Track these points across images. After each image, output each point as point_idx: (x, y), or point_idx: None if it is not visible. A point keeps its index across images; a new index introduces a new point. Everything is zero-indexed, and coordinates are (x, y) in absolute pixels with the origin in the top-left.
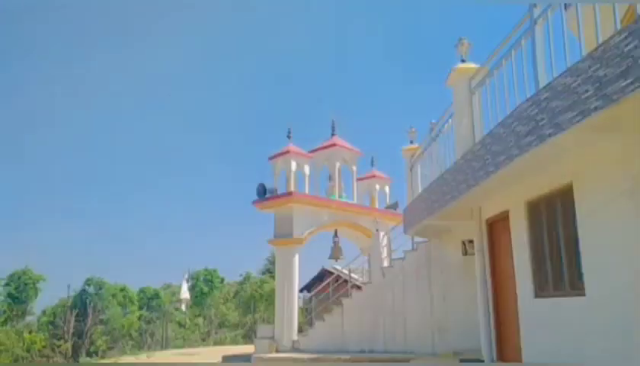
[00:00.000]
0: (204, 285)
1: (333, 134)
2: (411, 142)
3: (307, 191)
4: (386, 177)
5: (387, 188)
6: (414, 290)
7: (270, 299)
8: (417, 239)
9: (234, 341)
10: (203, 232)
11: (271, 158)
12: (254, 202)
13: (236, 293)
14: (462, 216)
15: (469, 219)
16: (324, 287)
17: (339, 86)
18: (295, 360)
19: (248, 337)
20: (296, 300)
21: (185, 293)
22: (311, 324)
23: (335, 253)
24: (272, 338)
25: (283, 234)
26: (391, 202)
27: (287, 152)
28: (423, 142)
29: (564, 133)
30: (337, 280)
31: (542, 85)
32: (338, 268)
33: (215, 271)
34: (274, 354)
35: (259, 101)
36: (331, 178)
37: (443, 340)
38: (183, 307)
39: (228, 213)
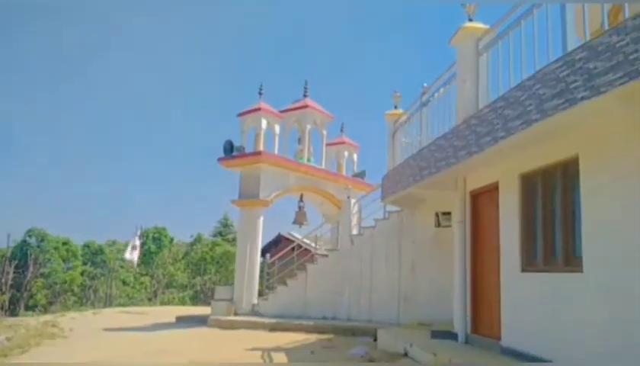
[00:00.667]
0: (152, 244)
1: (305, 96)
2: (395, 107)
3: (276, 152)
4: (355, 144)
5: (355, 156)
6: (383, 258)
7: (221, 262)
8: (389, 208)
9: (182, 302)
10: (157, 189)
11: (241, 114)
12: (219, 159)
13: (185, 254)
14: (446, 187)
15: (453, 190)
16: (279, 253)
17: (317, 48)
18: (254, 323)
19: (197, 299)
20: (258, 263)
21: (133, 251)
22: (271, 288)
23: (300, 218)
24: (230, 300)
25: (249, 195)
26: (359, 170)
27: (258, 109)
28: (410, 107)
29: (601, 96)
30: (293, 248)
31: (570, 45)
32: (295, 234)
33: (164, 229)
34: (233, 317)
35: (233, 56)
36: (300, 140)
37: (408, 310)
38: (135, 257)
39: (185, 171)
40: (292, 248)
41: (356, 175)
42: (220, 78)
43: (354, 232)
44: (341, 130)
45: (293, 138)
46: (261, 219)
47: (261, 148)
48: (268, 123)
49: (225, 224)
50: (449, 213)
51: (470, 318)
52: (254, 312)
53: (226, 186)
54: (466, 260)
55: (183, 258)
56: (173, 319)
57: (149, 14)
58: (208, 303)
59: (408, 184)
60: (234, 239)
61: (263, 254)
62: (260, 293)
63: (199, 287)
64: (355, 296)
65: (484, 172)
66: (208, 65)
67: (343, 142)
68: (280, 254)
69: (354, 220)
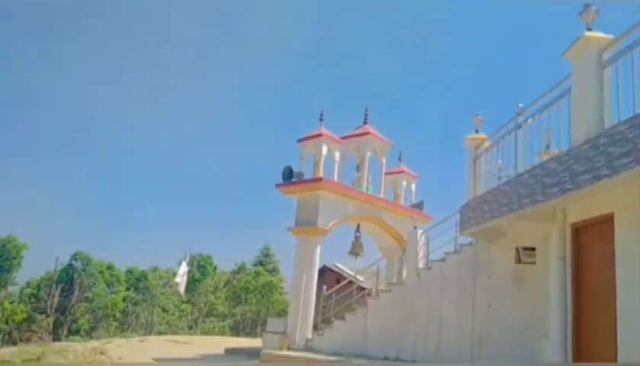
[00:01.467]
0: (197, 271)
1: (365, 122)
2: (477, 131)
3: (335, 179)
4: (414, 174)
5: (413, 186)
6: (454, 295)
7: (263, 292)
8: (461, 240)
9: (221, 332)
10: (202, 214)
11: (301, 140)
12: (278, 185)
13: (227, 282)
14: (542, 218)
15: (549, 222)
16: (334, 287)
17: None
18: (311, 360)
19: (237, 329)
20: (314, 294)
21: (183, 277)
22: (327, 323)
23: (356, 249)
24: (283, 333)
25: (306, 222)
26: (417, 201)
27: (320, 135)
28: (498, 131)
29: None
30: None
31: None
32: (341, 266)
33: (209, 257)
34: (286, 352)
35: (286, 79)
36: (358, 168)
37: (482, 353)
38: (181, 289)
39: (231, 197)
40: (350, 282)
41: (414, 206)
42: (273, 103)
43: (420, 265)
44: (399, 159)
45: (351, 165)
46: (319, 248)
47: (321, 174)
48: (329, 149)
49: (267, 254)
50: (532, 249)
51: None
52: (307, 347)
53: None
54: (567, 302)
55: (224, 286)
56: (221, 351)
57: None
58: (250, 334)
59: (500, 213)
60: (274, 269)
61: None
62: (315, 327)
63: (239, 317)
64: (421, 336)
65: (592, 202)
66: (262, 87)
67: (401, 172)
68: (337, 287)
69: (421, 253)
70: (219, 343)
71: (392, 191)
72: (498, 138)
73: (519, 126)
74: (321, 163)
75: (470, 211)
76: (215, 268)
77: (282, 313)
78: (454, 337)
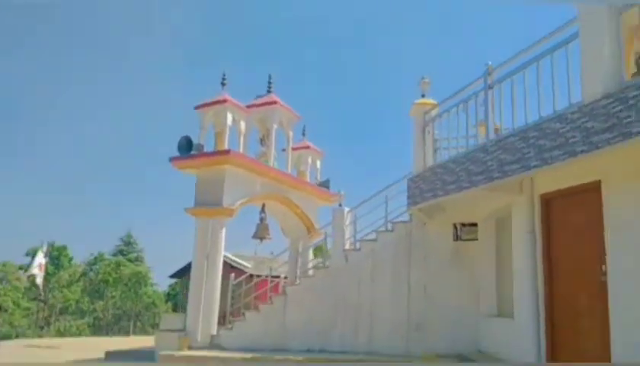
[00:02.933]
0: (49, 264)
1: (269, 91)
2: (423, 95)
3: (241, 152)
4: (319, 150)
5: (319, 163)
6: (387, 278)
7: (129, 284)
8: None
9: (79, 331)
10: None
11: (200, 107)
12: (173, 159)
13: (82, 274)
14: (507, 190)
15: (516, 193)
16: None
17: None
18: (224, 360)
19: (97, 327)
20: (218, 285)
21: (40, 269)
22: (234, 315)
23: (262, 232)
24: (182, 330)
25: (209, 202)
26: (322, 179)
27: (224, 100)
28: (455, 95)
29: None
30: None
31: None
32: (227, 254)
33: (64, 248)
34: (188, 352)
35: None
36: (262, 141)
37: (420, 340)
38: (38, 281)
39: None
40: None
41: (320, 184)
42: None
43: (347, 246)
44: (303, 134)
45: (252, 138)
46: (224, 231)
47: (225, 146)
48: (234, 118)
49: (128, 242)
50: (474, 225)
51: (545, 345)
52: (213, 344)
53: (131, 196)
54: (538, 280)
55: (78, 279)
56: (101, 355)
57: None
58: (118, 332)
59: (461, 187)
60: (137, 259)
61: (179, 277)
62: (220, 322)
63: (100, 314)
64: (351, 324)
65: (567, 171)
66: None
67: (307, 147)
68: (243, 277)
69: (347, 233)
70: (92, 346)
71: (295, 168)
72: (458, 102)
73: (489, 87)
74: (226, 134)
75: (423, 184)
76: (71, 259)
77: (151, 307)
78: (388, 324)
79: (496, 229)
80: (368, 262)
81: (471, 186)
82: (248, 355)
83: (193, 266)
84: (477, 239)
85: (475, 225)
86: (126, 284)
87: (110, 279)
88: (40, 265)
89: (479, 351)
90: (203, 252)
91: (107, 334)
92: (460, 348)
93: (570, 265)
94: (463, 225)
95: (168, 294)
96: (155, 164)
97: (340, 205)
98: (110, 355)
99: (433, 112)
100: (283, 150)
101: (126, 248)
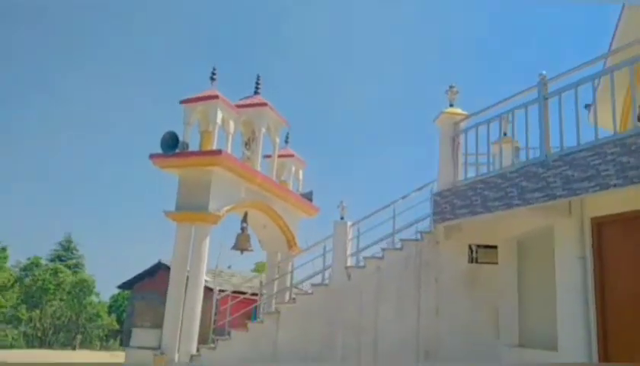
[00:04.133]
0: None
1: (256, 92)
2: (451, 104)
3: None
4: (302, 160)
5: (301, 173)
6: (394, 299)
7: (74, 292)
8: (402, 236)
9: (13, 342)
10: None
11: (187, 101)
12: (154, 155)
13: (17, 280)
14: (556, 212)
15: (563, 216)
16: (155, 286)
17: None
18: None
19: (34, 338)
20: (200, 297)
21: None
22: (219, 333)
23: (242, 243)
24: (157, 348)
25: (193, 206)
26: (305, 190)
27: (214, 96)
28: (494, 106)
29: None
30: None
31: None
32: None
33: (4, 249)
34: None
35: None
36: (247, 145)
37: None
38: None
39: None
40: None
41: (303, 195)
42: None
43: (349, 263)
44: (286, 141)
45: (236, 141)
46: (208, 239)
47: (214, 146)
48: (223, 117)
49: (67, 248)
50: (492, 247)
51: None
52: (192, 364)
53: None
54: (589, 310)
55: (12, 285)
56: None
57: None
58: (54, 345)
59: (509, 204)
60: (76, 266)
61: (129, 287)
62: (202, 340)
63: (38, 324)
64: (352, 348)
65: (625, 195)
66: None
67: (291, 155)
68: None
69: (349, 249)
70: (42, 360)
71: (277, 177)
72: (500, 113)
73: (545, 98)
74: (215, 133)
75: (456, 199)
76: (6, 259)
77: (94, 318)
78: (394, 348)
79: (518, 252)
80: (373, 281)
81: (523, 204)
82: None
83: (171, 276)
84: (496, 263)
85: (493, 247)
86: (69, 293)
87: (51, 286)
88: None
89: None
90: (183, 260)
91: (46, 346)
92: None
93: (627, 296)
94: (480, 246)
95: (110, 306)
96: (104, 164)
97: (342, 218)
98: None
99: (463, 124)
100: (267, 157)
101: (65, 254)
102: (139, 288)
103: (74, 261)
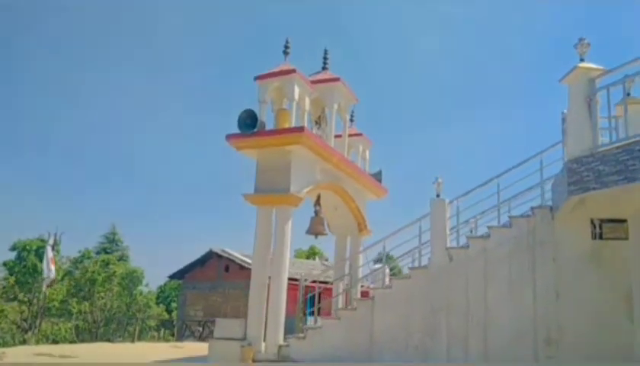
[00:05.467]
0: (36, 259)
1: (324, 68)
2: (582, 59)
3: None
4: (368, 139)
5: (367, 153)
6: (505, 281)
7: (123, 284)
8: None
9: (66, 335)
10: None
11: (262, 77)
12: (231, 136)
13: (67, 273)
14: None
15: None
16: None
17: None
18: None
19: (86, 330)
20: (285, 285)
21: (50, 265)
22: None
23: (316, 226)
24: (244, 339)
25: (274, 188)
26: (374, 170)
27: (292, 71)
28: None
29: None
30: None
31: None
32: (232, 252)
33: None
34: (253, 365)
35: None
36: (317, 123)
37: (552, 356)
38: (50, 277)
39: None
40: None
41: (373, 175)
42: None
43: (449, 244)
44: (351, 120)
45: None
46: (290, 222)
47: (292, 124)
48: (300, 93)
49: (112, 239)
50: (621, 221)
51: None
52: (281, 356)
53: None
54: None
55: (62, 278)
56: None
57: None
58: (105, 337)
59: None
60: (121, 258)
61: (180, 277)
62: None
63: (89, 317)
64: (459, 336)
65: None
66: None
67: (359, 134)
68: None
69: (448, 228)
70: (112, 354)
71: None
72: None
73: None
74: (292, 111)
75: (601, 165)
76: (58, 253)
77: (144, 309)
78: (508, 336)
79: None
80: (479, 262)
81: None
82: None
83: (254, 263)
84: (625, 238)
85: (622, 221)
86: (119, 284)
87: (99, 278)
88: (50, 260)
89: None
90: (266, 245)
91: (96, 338)
92: None
93: None
94: (604, 221)
95: (157, 297)
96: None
97: (438, 195)
98: None
99: (598, 81)
100: (336, 137)
101: (110, 246)
102: (190, 278)
103: (119, 252)
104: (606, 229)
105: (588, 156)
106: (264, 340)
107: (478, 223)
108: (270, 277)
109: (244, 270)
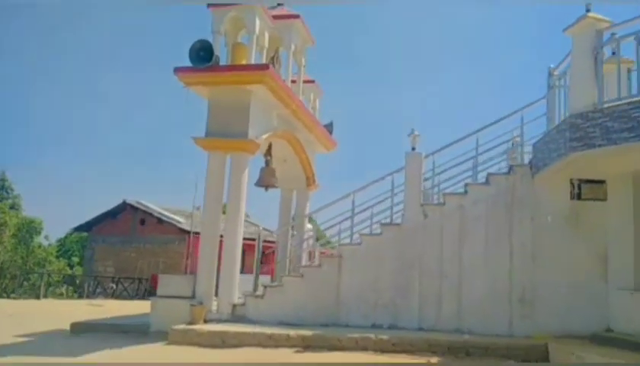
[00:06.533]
0: None
1: (280, 3)
2: (588, 10)
3: None
4: (320, 87)
5: (318, 103)
6: (481, 241)
7: (19, 235)
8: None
9: None
10: None
11: (216, 5)
12: (180, 69)
13: None
14: None
15: None
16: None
17: None
18: (271, 337)
19: None
20: (240, 239)
21: None
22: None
23: (267, 178)
24: (192, 297)
25: (229, 132)
26: (324, 122)
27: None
28: None
29: None
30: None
31: None
32: (149, 205)
33: None
34: (208, 326)
35: None
36: (273, 63)
37: (525, 316)
38: None
39: None
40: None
41: (325, 127)
42: None
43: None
44: (303, 66)
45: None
46: (247, 171)
47: (251, 60)
48: (260, 26)
49: (2, 186)
50: (600, 182)
51: None
52: (236, 316)
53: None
54: None
55: None
56: (62, 327)
57: None
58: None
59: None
60: (13, 207)
61: (86, 230)
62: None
63: None
64: (431, 296)
65: None
66: None
67: (311, 81)
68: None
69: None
70: (47, 314)
71: None
72: None
73: None
74: (253, 45)
75: (610, 121)
76: None
77: (42, 264)
78: (482, 296)
79: (633, 187)
80: (454, 220)
81: None
82: (306, 333)
83: (204, 214)
84: (604, 199)
85: (600, 182)
86: (14, 235)
87: None
88: None
89: (611, 331)
90: (218, 196)
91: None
92: (579, 328)
93: None
94: (583, 181)
95: (58, 250)
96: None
97: (413, 149)
98: (77, 327)
99: (606, 34)
100: (292, 82)
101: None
102: (99, 230)
103: (10, 201)
104: (585, 189)
105: (594, 111)
106: (219, 299)
107: (454, 180)
108: (223, 230)
109: (162, 224)
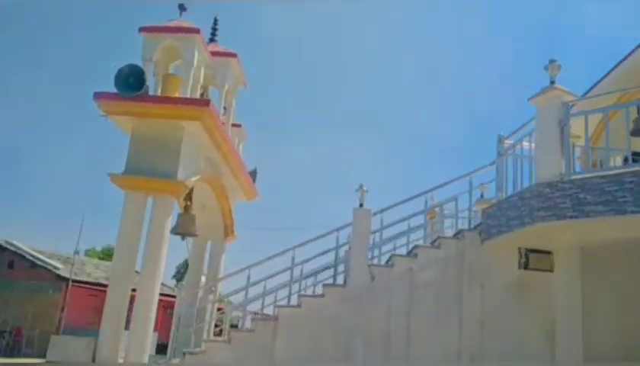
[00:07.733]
0: None
1: (212, 40)
2: (552, 82)
3: None
4: (245, 132)
5: (241, 147)
6: (430, 307)
7: None
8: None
9: None
10: None
11: (150, 30)
12: (103, 95)
13: None
14: None
15: None
16: None
17: None
18: None
19: None
20: (157, 292)
21: None
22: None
23: (187, 225)
24: (92, 361)
25: (155, 171)
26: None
27: (194, 30)
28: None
29: None
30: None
31: None
32: (19, 244)
33: None
34: None
35: None
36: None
37: None
38: None
39: None
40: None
41: (249, 174)
42: None
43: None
44: (225, 108)
45: None
46: (171, 217)
47: (186, 94)
48: (198, 60)
49: None
50: (546, 253)
51: None
52: None
53: None
54: None
55: None
56: None
57: None
58: None
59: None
60: None
61: None
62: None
63: None
64: (377, 364)
65: None
66: None
67: (238, 125)
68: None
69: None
70: None
71: None
72: None
73: None
74: (190, 78)
75: (582, 193)
76: None
77: None
78: (431, 363)
79: (581, 260)
80: (404, 284)
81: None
82: None
83: (115, 262)
84: (551, 271)
85: (547, 253)
86: None
87: None
88: None
89: None
90: (133, 242)
91: None
92: None
93: None
94: (530, 251)
95: None
96: None
97: (361, 205)
98: None
99: (572, 106)
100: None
101: None
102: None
103: None
104: (533, 259)
105: (565, 182)
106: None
107: (402, 241)
108: (137, 284)
109: (35, 269)
